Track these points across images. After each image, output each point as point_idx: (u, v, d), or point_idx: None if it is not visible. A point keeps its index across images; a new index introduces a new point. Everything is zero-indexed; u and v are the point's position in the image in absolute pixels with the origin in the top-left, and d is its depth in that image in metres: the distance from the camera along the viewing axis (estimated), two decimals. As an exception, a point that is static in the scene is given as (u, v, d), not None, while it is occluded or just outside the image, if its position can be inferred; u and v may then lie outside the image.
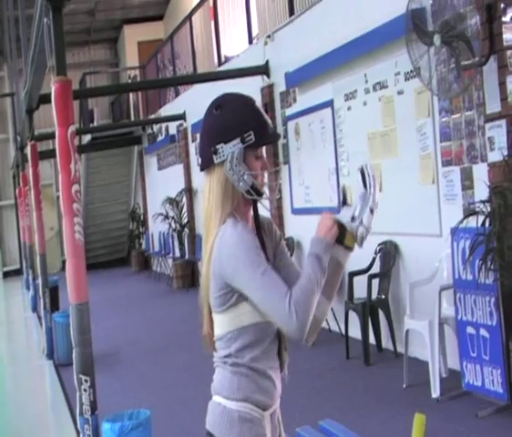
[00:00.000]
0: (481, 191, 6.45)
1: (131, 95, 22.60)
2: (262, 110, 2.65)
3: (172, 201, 17.42)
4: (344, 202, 2.69)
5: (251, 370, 2.54)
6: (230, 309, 2.53)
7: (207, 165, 2.60)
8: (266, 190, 2.64)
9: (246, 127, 2.55)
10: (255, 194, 2.57)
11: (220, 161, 2.55)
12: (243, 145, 2.54)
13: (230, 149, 2.54)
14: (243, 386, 2.54)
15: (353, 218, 2.58)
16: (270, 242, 2.72)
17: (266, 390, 2.58)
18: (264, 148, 2.69)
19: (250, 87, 11.83)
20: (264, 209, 2.71)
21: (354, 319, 8.25)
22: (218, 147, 2.55)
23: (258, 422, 2.55)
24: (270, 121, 2.64)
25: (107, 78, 25.80)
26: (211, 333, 2.63)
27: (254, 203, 2.63)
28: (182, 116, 16.77)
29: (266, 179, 2.68)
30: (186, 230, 17.26)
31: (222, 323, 2.57)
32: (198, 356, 9.96)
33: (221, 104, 2.63)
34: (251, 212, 2.67)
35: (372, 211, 2.60)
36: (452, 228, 6.42)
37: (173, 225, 17.52)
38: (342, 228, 2.59)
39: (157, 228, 20.03)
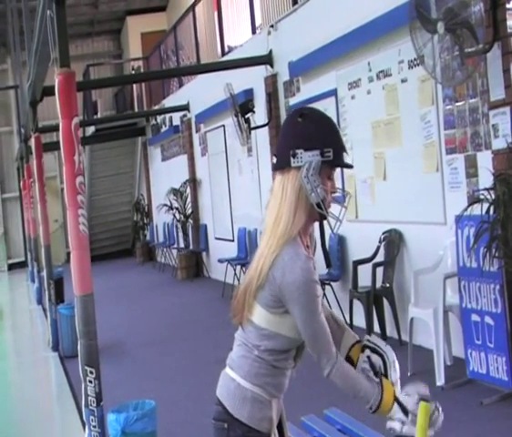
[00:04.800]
0: (485, 179, 6.43)
1: (135, 86, 22.57)
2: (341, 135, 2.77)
3: (176, 192, 17.41)
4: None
5: (273, 368, 2.69)
6: (275, 315, 2.65)
7: (283, 166, 2.67)
8: (332, 211, 2.72)
9: (327, 143, 2.64)
10: (324, 209, 2.65)
11: (296, 165, 2.63)
12: (321, 158, 2.62)
13: (309, 158, 2.61)
14: (260, 375, 2.68)
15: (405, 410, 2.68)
16: None
17: (279, 384, 2.74)
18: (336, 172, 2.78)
19: (254, 77, 11.84)
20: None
21: (359, 307, 8.25)
22: (297, 151, 2.62)
23: (267, 405, 2.70)
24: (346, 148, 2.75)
25: (111, 70, 25.76)
26: (247, 316, 2.71)
27: (321, 221, 2.73)
28: (186, 107, 16.76)
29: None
30: (190, 221, 17.26)
31: (263, 318, 2.67)
32: (202, 346, 10.04)
33: (306, 114, 2.72)
34: (310, 230, 2.77)
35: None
36: (456, 216, 6.41)
37: (177, 216, 17.51)
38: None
39: (161, 219, 20.05)
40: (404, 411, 2.65)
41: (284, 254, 2.60)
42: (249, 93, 12.14)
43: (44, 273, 11.48)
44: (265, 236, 2.69)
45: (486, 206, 5.96)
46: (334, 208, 2.73)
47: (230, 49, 14.16)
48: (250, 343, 2.69)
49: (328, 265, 2.82)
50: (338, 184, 2.57)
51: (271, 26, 11.39)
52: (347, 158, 2.74)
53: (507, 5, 6.33)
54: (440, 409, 2.71)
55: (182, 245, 17.70)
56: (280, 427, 2.85)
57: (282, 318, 2.63)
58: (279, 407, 2.80)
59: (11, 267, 26.58)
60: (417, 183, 7.84)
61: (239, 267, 12.77)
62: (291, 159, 2.62)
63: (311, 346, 2.64)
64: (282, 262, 2.59)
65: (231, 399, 2.69)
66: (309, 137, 2.63)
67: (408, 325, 7.12)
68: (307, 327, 2.60)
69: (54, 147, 16.14)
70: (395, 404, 2.67)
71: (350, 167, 2.77)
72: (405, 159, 8.03)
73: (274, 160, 2.72)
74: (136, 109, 22.73)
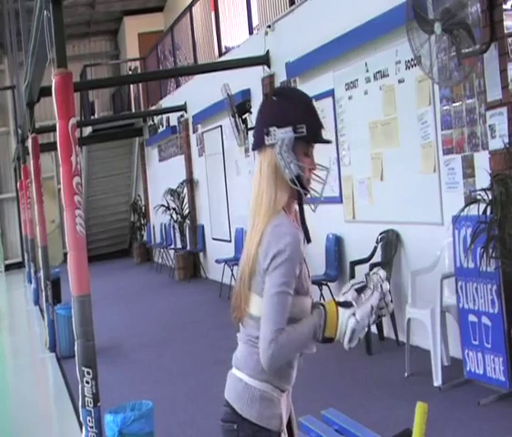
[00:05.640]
0: (482, 179, 6.44)
1: (132, 86, 22.56)
2: (318, 112, 2.74)
3: (173, 192, 17.42)
4: (360, 291, 2.69)
5: None
6: None
7: (259, 145, 2.68)
8: (312, 188, 2.69)
9: (300, 119, 2.64)
10: (299, 186, 2.62)
11: (270, 143, 2.63)
12: (294, 134, 2.61)
13: (282, 135, 2.61)
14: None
15: (349, 305, 2.63)
16: None
17: (287, 375, 2.69)
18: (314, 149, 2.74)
19: (251, 78, 11.84)
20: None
21: (356, 308, 8.24)
22: (270, 129, 2.63)
23: (276, 402, 2.65)
24: (323, 125, 2.72)
25: (108, 70, 25.76)
26: (245, 309, 2.67)
27: (299, 198, 2.68)
28: (183, 108, 16.76)
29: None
30: (187, 222, 17.27)
31: (260, 306, 2.61)
32: (200, 347, 10.04)
33: (281, 93, 2.77)
34: (295, 207, 2.73)
35: (372, 309, 2.62)
36: (453, 217, 6.41)
37: (174, 216, 17.52)
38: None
39: (158, 219, 20.04)
40: (348, 305, 2.62)
41: (269, 227, 2.57)
42: (246, 93, 12.13)
43: (41, 274, 11.48)
44: (250, 219, 2.68)
45: (483, 206, 5.96)
46: (317, 187, 2.71)
47: (228, 50, 14.16)
48: (253, 337, 2.63)
49: (308, 240, 2.74)
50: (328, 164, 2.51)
51: (269, 27, 11.39)
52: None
53: (504, 6, 6.34)
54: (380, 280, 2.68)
55: (179, 245, 17.69)
56: (289, 426, 2.79)
57: None
58: (287, 404, 2.75)
59: (8, 268, 26.57)
60: (415, 183, 7.84)
61: (236, 267, 12.75)
62: (265, 137, 2.64)
63: (262, 320, 2.54)
64: (268, 235, 2.56)
65: (240, 399, 2.65)
66: (282, 115, 2.64)
67: (405, 325, 7.12)
68: (270, 286, 2.53)
69: (51, 147, 16.16)
70: (340, 309, 2.61)
71: (327, 142, 2.74)
72: (403, 160, 8.03)
73: (253, 141, 2.74)
74: (133, 110, 22.72)
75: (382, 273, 2.69)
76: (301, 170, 2.62)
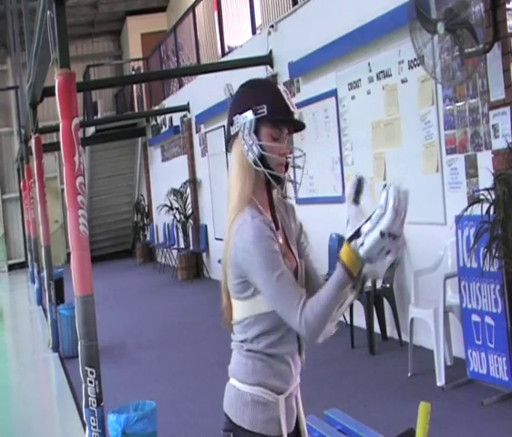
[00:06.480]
0: (485, 179, 6.43)
1: (135, 87, 22.59)
2: (284, 93, 2.61)
3: (176, 192, 17.43)
4: (357, 199, 2.53)
5: (267, 356, 2.53)
6: (248, 299, 2.53)
7: (228, 139, 2.66)
8: (286, 175, 2.64)
9: (259, 100, 2.57)
10: (262, 167, 2.56)
11: (235, 132, 2.61)
12: (254, 116, 2.55)
13: (243, 120, 2.58)
14: (257, 370, 2.55)
15: (357, 234, 2.39)
16: (292, 226, 2.74)
17: (281, 374, 2.57)
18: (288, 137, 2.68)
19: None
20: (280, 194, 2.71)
21: (359, 307, 8.25)
22: (234, 118, 2.62)
23: (271, 406, 2.55)
24: (290, 105, 2.59)
25: (111, 70, 25.78)
26: (230, 316, 2.63)
27: (267, 182, 2.61)
28: (186, 108, 16.76)
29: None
30: (190, 221, 17.27)
31: (240, 309, 2.57)
32: (202, 347, 10.05)
33: (245, 83, 2.70)
34: (265, 198, 2.66)
35: (383, 236, 2.39)
36: (456, 217, 6.41)
37: (177, 216, 17.53)
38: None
39: (161, 219, 20.05)
40: (357, 234, 2.38)
41: (235, 225, 2.55)
42: (249, 93, 12.12)
43: (44, 274, 11.48)
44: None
45: (486, 206, 5.95)
46: (295, 174, 2.66)
47: (230, 50, 14.16)
48: (239, 342, 2.59)
49: (276, 227, 2.63)
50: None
51: (271, 27, 11.39)
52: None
53: (507, 6, 6.33)
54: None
55: (182, 245, 17.69)
56: (297, 433, 2.69)
57: (256, 297, 2.51)
58: (289, 406, 2.62)
59: (11, 267, 26.57)
60: (417, 183, 7.82)
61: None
62: (231, 128, 2.62)
63: (274, 307, 2.45)
64: (234, 234, 2.53)
65: (233, 407, 2.58)
66: (243, 101, 2.61)
67: (408, 325, 7.11)
68: (266, 288, 2.45)
69: (54, 147, 16.16)
70: (349, 245, 2.36)
71: (291, 117, 2.62)
72: (405, 160, 8.02)
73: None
74: (136, 110, 22.73)
75: (397, 183, 2.52)
76: (265, 151, 2.56)
